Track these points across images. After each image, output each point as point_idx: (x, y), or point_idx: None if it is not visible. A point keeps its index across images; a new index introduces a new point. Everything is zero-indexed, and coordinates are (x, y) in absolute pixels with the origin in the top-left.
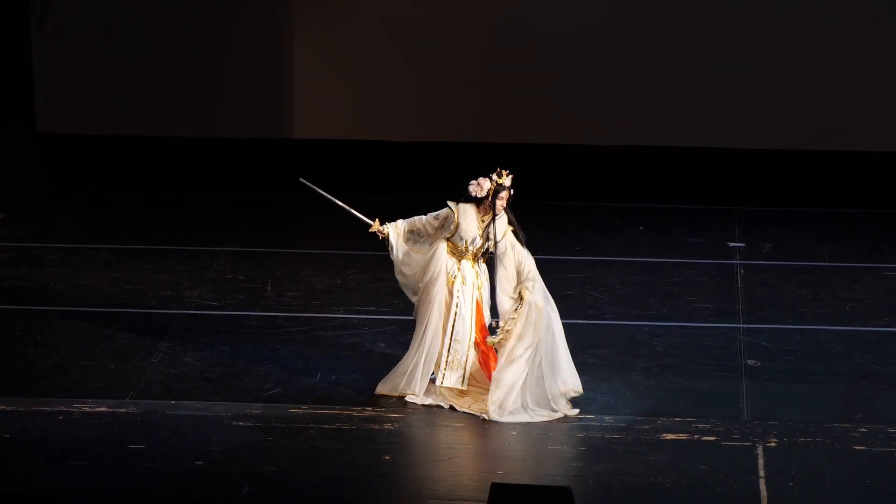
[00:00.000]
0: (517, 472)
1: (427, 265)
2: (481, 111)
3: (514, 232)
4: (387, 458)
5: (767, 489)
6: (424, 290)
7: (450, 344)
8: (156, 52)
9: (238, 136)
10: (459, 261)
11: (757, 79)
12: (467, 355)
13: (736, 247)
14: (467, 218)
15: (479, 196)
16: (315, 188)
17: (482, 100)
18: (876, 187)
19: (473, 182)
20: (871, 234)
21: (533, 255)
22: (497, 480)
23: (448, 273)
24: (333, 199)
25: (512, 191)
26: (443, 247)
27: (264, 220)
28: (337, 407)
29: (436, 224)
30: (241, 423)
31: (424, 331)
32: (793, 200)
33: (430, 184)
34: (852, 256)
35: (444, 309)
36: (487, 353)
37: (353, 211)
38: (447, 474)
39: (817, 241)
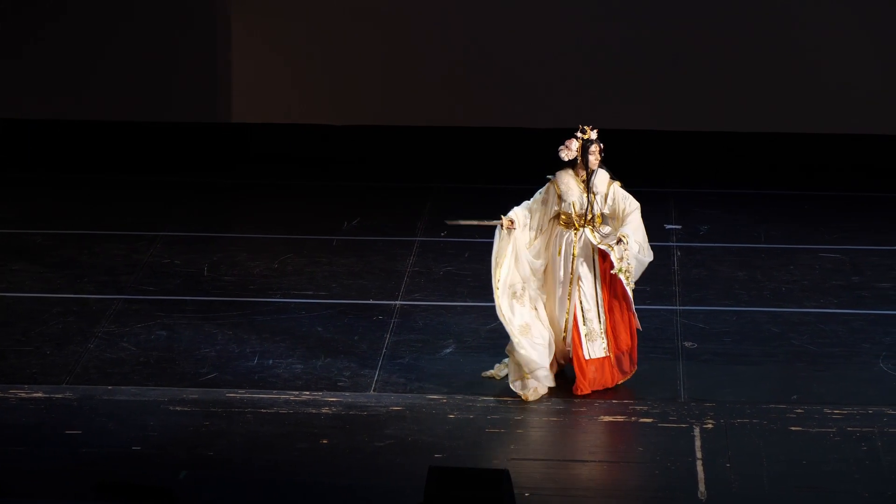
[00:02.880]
0: (455, 456)
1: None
2: (420, 94)
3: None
4: (324, 442)
5: (704, 470)
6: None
7: (582, 317)
8: (93, 36)
9: (174, 120)
10: (577, 231)
11: (694, 60)
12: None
13: (672, 229)
14: (566, 181)
15: (569, 158)
16: (462, 223)
17: (420, 82)
18: (812, 169)
19: (562, 147)
20: (807, 215)
21: (470, 238)
22: (435, 464)
23: (565, 245)
24: (478, 223)
25: (601, 144)
26: (557, 230)
27: (201, 204)
28: (274, 391)
29: (540, 199)
30: (178, 408)
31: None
32: (729, 182)
33: (369, 168)
34: (788, 238)
35: (564, 285)
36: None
37: (482, 223)
38: (386, 459)
39: (754, 222)
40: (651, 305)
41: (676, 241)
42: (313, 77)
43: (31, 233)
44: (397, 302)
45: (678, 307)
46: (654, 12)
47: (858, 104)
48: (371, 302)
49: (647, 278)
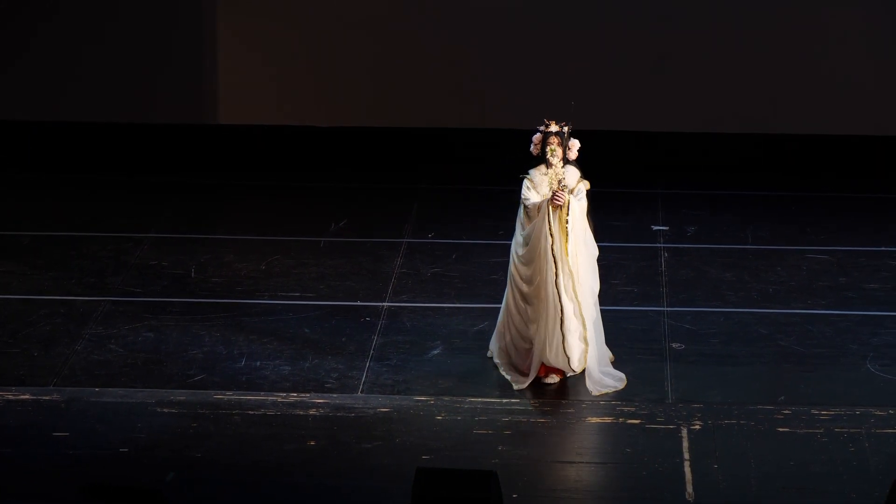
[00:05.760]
0: (443, 457)
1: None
2: (407, 95)
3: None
4: (312, 443)
5: (692, 471)
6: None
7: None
8: (80, 36)
9: (160, 121)
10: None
11: (680, 61)
12: None
13: (659, 230)
14: (538, 178)
15: (535, 153)
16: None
17: (407, 83)
18: (799, 169)
19: (532, 140)
20: (795, 216)
21: (458, 239)
22: (423, 465)
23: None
24: None
25: (571, 140)
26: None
27: (188, 205)
28: (262, 393)
29: (531, 194)
30: (165, 410)
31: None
32: (716, 183)
33: (356, 169)
34: (775, 239)
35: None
36: None
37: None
38: (373, 460)
39: (741, 223)
40: (638, 306)
41: (664, 242)
42: (300, 78)
43: (19, 234)
44: (385, 303)
45: (665, 308)
46: (644, 12)
47: (846, 105)
48: (358, 303)
49: (635, 279)
